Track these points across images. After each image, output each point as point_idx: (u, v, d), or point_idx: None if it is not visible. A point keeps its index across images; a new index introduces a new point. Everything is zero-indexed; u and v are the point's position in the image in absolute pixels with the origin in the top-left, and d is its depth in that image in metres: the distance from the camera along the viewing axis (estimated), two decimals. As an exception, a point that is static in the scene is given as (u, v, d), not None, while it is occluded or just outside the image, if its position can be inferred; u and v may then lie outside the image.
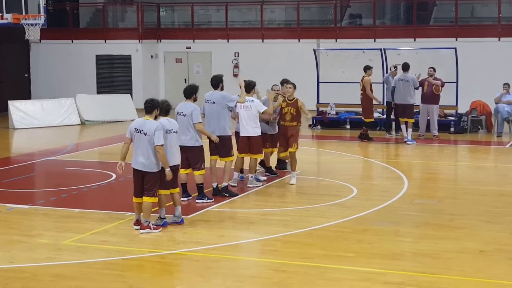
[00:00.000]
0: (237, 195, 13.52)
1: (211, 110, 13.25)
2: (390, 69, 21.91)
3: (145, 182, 10.91)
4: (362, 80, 20.24)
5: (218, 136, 13.11)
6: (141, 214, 11.08)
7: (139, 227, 11.04)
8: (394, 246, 10.34)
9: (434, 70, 20.74)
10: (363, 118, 20.67)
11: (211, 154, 13.44)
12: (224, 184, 13.46)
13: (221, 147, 13.25)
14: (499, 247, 10.27)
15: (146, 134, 10.81)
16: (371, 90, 20.18)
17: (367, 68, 20.42)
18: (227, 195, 13.37)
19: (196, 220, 11.71)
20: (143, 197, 10.94)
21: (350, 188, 14.19)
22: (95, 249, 10.24)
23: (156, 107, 10.97)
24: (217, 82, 13.32)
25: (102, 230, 11.19)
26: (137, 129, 10.91)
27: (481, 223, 11.57)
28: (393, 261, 9.64)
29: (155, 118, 10.99)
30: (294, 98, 14.60)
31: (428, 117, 20.83)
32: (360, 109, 21.42)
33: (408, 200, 13.18)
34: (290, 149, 14.52)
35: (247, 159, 14.23)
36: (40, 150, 19.72)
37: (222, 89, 13.35)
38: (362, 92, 20.37)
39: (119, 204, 12.79)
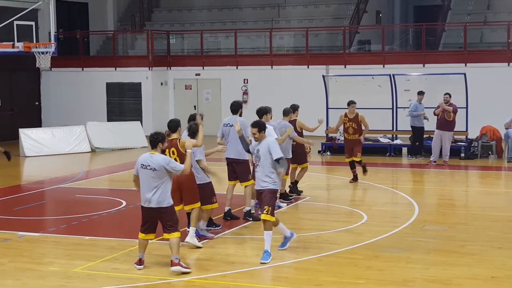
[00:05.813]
0: (259, 219, 13.49)
1: (230, 133, 13.36)
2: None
3: (165, 219, 10.28)
4: None
5: (236, 160, 13.38)
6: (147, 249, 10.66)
7: (141, 266, 10.46)
8: (405, 272, 10.30)
9: (450, 96, 20.71)
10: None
11: (230, 179, 13.59)
12: (247, 208, 13.58)
13: (239, 171, 13.42)
14: (510, 273, 10.21)
15: (155, 169, 10.17)
16: None
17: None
18: (251, 219, 13.46)
19: (206, 247, 11.69)
20: (170, 233, 10.22)
21: (360, 214, 14.16)
22: (106, 276, 10.23)
23: (160, 141, 10.36)
24: (236, 107, 13.59)
25: (112, 257, 11.18)
26: (143, 165, 10.23)
27: (492, 249, 11.52)
28: (404, 288, 9.61)
29: (163, 152, 10.52)
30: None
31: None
32: (370, 135, 21.32)
33: (419, 226, 13.13)
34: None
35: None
36: (51, 178, 19.78)
37: (241, 115, 13.55)
38: None
39: (130, 231, 12.75)
